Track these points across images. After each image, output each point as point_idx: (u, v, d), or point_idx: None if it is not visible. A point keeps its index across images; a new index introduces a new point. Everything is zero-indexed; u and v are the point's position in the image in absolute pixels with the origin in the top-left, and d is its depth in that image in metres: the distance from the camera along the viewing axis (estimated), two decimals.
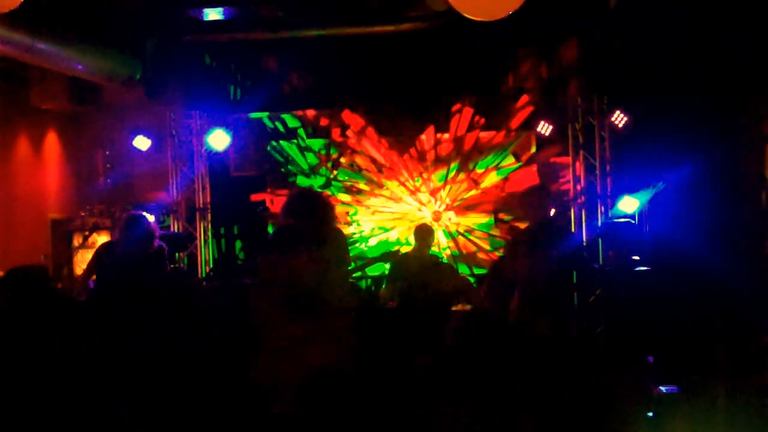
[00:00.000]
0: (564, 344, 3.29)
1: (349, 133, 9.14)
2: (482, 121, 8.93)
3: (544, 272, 5.68)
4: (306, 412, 2.74)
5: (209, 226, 8.95)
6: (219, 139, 8.56)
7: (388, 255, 8.84)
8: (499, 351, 2.92)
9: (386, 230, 9.15)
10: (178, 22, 8.16)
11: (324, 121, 9.22)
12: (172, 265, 7.50)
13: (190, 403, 3.13)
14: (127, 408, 3.13)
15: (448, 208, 9.06)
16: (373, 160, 9.13)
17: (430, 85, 8.77)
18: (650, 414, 4.87)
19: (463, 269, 8.79)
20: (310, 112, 9.25)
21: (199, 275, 8.74)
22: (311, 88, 9.24)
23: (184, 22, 8.17)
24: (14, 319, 3.77)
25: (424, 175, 9.09)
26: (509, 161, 8.94)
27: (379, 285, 8.24)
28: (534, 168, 8.89)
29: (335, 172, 9.17)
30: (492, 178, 8.98)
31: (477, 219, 9.04)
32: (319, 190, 8.69)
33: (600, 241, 7.93)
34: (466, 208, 9.06)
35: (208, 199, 8.99)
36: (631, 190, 7.69)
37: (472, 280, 8.72)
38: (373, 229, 9.16)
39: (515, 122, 8.90)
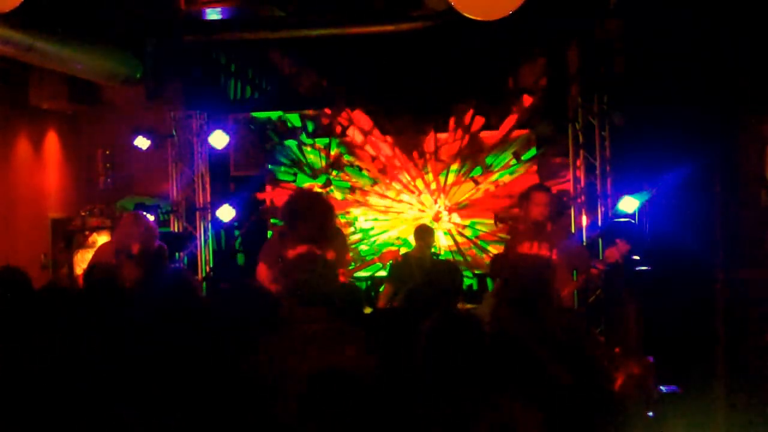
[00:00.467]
0: (548, 345, 3.29)
1: (349, 132, 9.14)
2: (482, 121, 8.94)
3: (532, 272, 5.66)
4: (309, 413, 2.74)
5: (209, 226, 8.95)
6: (218, 139, 8.60)
7: (388, 255, 8.84)
8: (476, 351, 2.91)
9: (386, 230, 9.15)
10: (178, 22, 8.16)
11: (325, 121, 9.22)
12: (172, 265, 7.49)
13: (190, 403, 3.13)
14: (127, 408, 3.13)
15: (447, 209, 9.06)
16: (374, 160, 9.13)
17: (431, 85, 8.76)
18: (650, 414, 4.86)
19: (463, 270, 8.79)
20: (311, 112, 9.25)
21: (199, 275, 8.75)
22: (312, 87, 9.23)
23: (184, 22, 8.17)
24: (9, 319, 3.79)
25: (428, 177, 9.08)
26: (509, 161, 8.94)
27: (378, 286, 8.24)
28: (534, 168, 8.89)
29: (335, 172, 9.17)
30: (492, 179, 8.98)
31: (477, 219, 9.04)
32: (319, 189, 8.70)
33: (600, 240, 7.93)
34: (466, 208, 9.06)
35: (208, 199, 8.99)
36: (631, 190, 7.69)
37: (473, 281, 8.72)
38: (373, 228, 9.16)
39: (515, 122, 8.90)
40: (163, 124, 8.91)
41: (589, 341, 3.61)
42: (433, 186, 9.08)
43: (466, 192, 9.04)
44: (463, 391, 2.82)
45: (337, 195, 9.08)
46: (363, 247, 9.10)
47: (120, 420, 3.12)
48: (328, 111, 9.17)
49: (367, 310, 5.12)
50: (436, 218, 9.01)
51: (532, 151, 8.87)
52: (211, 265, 8.96)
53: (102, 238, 8.46)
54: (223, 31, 8.41)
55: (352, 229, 9.06)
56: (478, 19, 4.26)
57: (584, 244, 7.90)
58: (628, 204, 7.70)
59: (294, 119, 9.28)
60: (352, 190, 9.16)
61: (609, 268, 6.76)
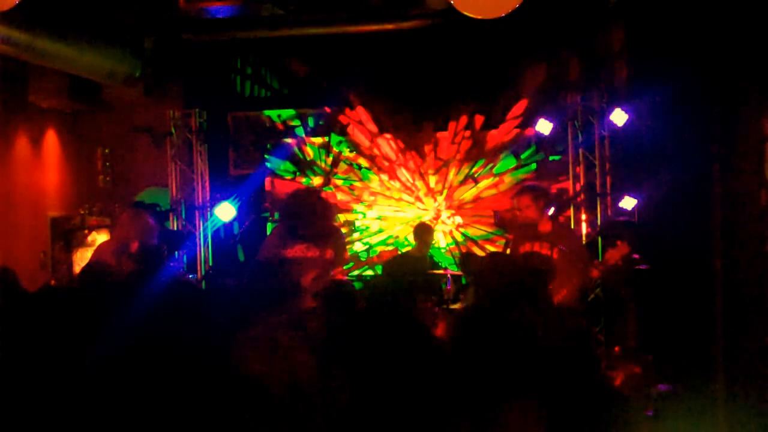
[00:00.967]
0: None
1: (349, 131, 9.13)
2: (482, 120, 8.93)
3: (495, 273, 5.61)
4: (301, 409, 2.74)
5: (209, 225, 8.94)
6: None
7: (387, 254, 8.84)
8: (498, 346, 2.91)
9: (386, 230, 9.14)
10: (177, 20, 8.16)
11: (325, 119, 9.21)
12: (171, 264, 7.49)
13: (190, 403, 3.12)
14: (127, 408, 3.13)
15: (447, 208, 9.05)
16: (374, 159, 9.12)
17: (431, 84, 8.76)
18: (650, 413, 4.87)
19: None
20: (310, 110, 9.24)
21: (199, 273, 8.74)
22: (312, 86, 9.22)
23: (183, 20, 8.17)
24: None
25: (430, 178, 9.07)
26: (509, 161, 8.93)
27: (377, 285, 8.22)
28: (533, 168, 8.89)
29: (335, 171, 9.16)
30: (491, 178, 8.97)
31: (476, 218, 9.03)
32: (318, 188, 8.69)
33: (600, 240, 7.93)
34: (465, 207, 9.05)
35: (208, 198, 8.98)
36: (631, 190, 7.69)
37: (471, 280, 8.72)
38: (371, 227, 9.15)
39: (515, 121, 8.89)
40: (162, 123, 8.90)
41: (589, 341, 3.61)
42: (433, 186, 9.07)
43: (466, 192, 9.04)
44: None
45: (337, 194, 9.07)
46: (361, 247, 9.09)
47: (120, 420, 3.12)
48: (327, 110, 9.16)
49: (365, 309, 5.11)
50: (436, 217, 9.00)
51: (532, 151, 8.87)
52: (210, 264, 8.94)
53: (101, 237, 8.46)
54: (223, 30, 8.40)
55: (351, 228, 9.05)
56: (478, 17, 4.26)
57: (584, 243, 7.89)
58: (626, 203, 7.72)
59: (293, 118, 9.27)
60: (352, 189, 9.15)
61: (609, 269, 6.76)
